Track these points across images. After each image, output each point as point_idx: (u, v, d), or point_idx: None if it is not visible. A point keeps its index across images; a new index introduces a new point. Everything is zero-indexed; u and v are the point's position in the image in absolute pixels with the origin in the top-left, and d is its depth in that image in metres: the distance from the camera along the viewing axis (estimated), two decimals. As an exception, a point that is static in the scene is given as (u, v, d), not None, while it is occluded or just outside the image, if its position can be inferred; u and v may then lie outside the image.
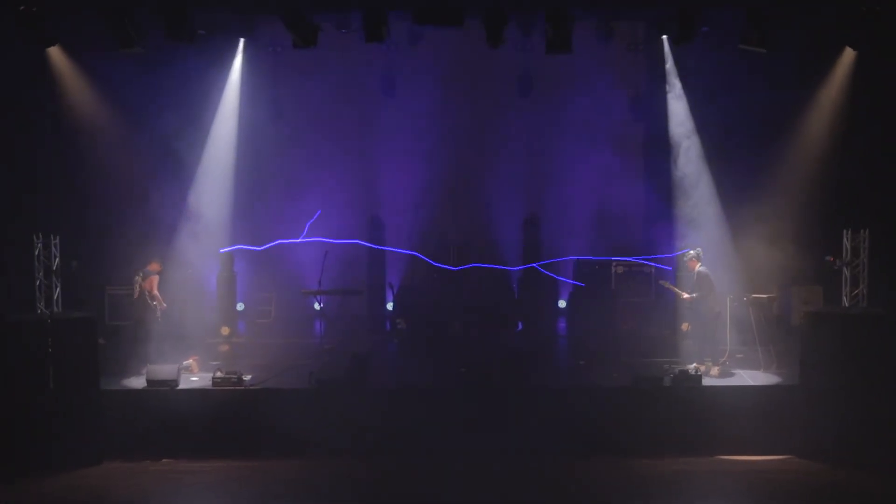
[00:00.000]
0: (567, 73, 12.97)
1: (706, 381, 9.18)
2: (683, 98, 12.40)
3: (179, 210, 12.30)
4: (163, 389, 8.99)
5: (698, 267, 10.15)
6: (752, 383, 9.39)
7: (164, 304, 10.47)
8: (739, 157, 12.13)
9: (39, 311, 9.04)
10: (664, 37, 12.06)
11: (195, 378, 9.67)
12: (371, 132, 13.73)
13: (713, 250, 11.78)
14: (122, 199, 11.98)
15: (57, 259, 9.14)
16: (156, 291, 10.39)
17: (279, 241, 12.00)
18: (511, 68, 13.18)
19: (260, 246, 12.22)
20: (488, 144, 13.85)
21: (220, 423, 8.88)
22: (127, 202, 11.94)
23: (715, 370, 9.69)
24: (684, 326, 11.38)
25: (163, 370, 9.09)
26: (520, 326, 12.95)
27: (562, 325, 13.58)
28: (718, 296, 10.15)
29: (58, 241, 9.19)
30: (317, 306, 12.07)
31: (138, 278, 10.41)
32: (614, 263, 12.76)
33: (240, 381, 9.12)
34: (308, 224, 11.65)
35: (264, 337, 12.53)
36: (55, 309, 9.11)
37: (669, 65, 12.39)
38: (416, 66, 13.12)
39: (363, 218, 13.56)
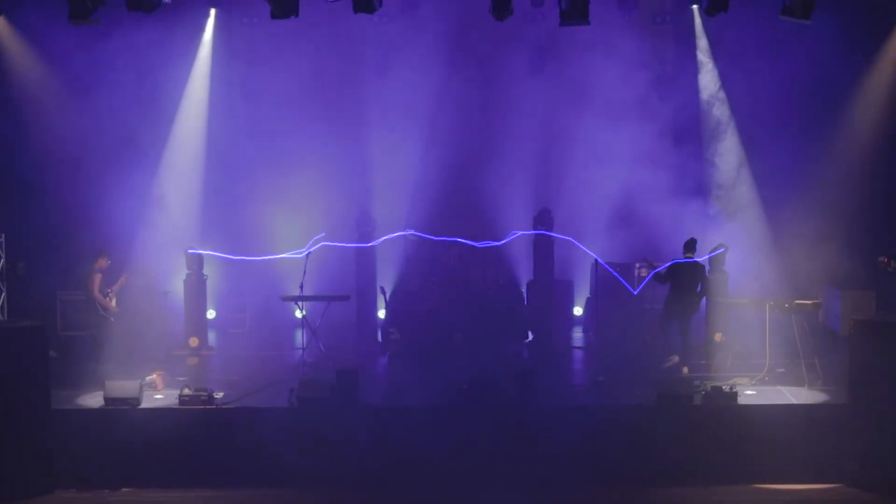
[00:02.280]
0: (584, 48, 12.96)
1: (742, 400, 9.17)
2: (716, 76, 12.41)
3: (142, 204, 12.32)
4: (123, 408, 8.96)
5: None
6: (794, 401, 9.38)
7: (115, 308, 10.45)
8: (780, 143, 12.16)
9: (-18, 320, 9.05)
10: (694, 6, 12.08)
11: (159, 396, 9.64)
12: (361, 116, 13.71)
13: (751, 248, 11.82)
14: (77, 191, 11.98)
15: (2, 260, 9.15)
16: (97, 293, 10.33)
17: (277, 256, 11.80)
18: (520, 43, 13.18)
19: (238, 255, 12.18)
20: (494, 130, 13.85)
21: (188, 448, 8.86)
22: (82, 195, 11.94)
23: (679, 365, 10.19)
24: (718, 336, 11.39)
25: (123, 387, 9.06)
26: (530, 336, 12.94)
27: (578, 334, 13.58)
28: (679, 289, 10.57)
29: (2, 239, 9.19)
30: (298, 314, 12.04)
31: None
32: (637, 265, 12.77)
33: (210, 399, 9.10)
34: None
35: (238, 349, 12.52)
36: (0, 317, 9.10)
37: (700, 38, 12.40)
38: (412, 40, 13.11)
39: (352, 213, 13.54)
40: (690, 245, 10.88)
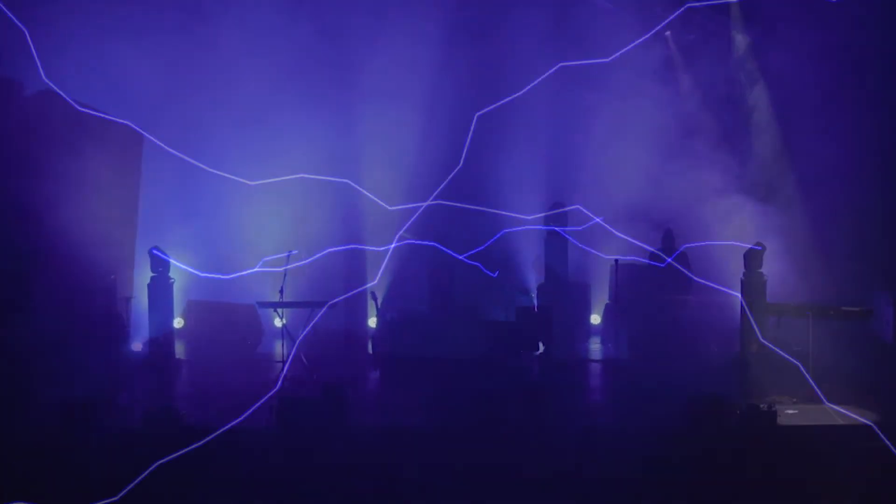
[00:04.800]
0: (602, 21, 12.93)
1: (782, 420, 9.15)
2: (752, 50, 12.34)
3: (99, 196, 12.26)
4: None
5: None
6: (841, 422, 9.36)
7: None
8: (824, 128, 12.10)
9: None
10: (730, -30, 12.05)
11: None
12: (350, 93, 13.65)
13: (791, 248, 11.77)
14: (14, 174, 11.89)
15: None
16: None
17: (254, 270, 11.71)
18: (533, 13, 13.13)
19: (209, 259, 12.11)
20: (502, 110, 13.76)
21: (152, 473, 8.80)
22: (20, 179, 11.85)
23: None
24: (753, 347, 11.36)
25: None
26: (540, 348, 12.91)
27: (595, 345, 13.56)
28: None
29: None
30: (278, 322, 12.04)
31: None
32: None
33: (177, 418, 9.07)
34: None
35: (209, 361, 12.49)
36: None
37: (733, 7, 12.33)
38: (410, 8, 13.06)
39: (339, 207, 13.48)
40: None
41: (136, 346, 12.12)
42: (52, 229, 11.42)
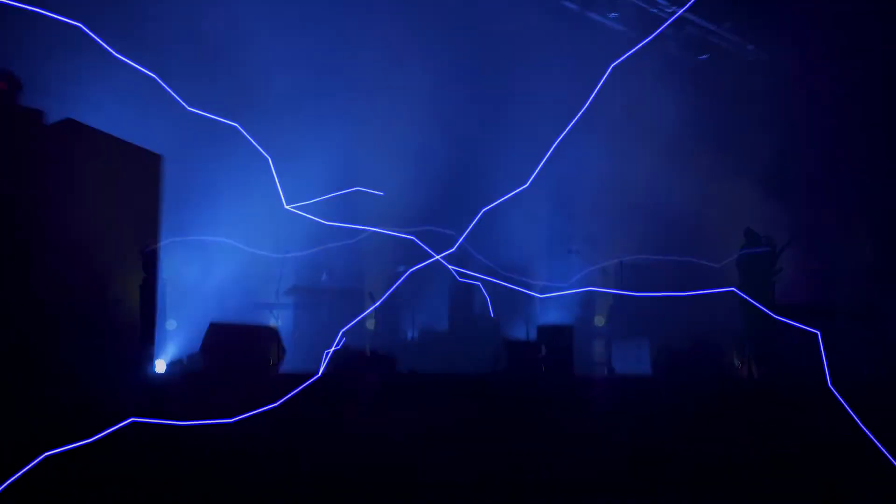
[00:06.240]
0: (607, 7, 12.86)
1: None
2: (765, 49, 12.25)
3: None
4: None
5: None
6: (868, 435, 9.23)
7: None
8: (839, 117, 12.01)
9: None
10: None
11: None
12: (344, 85, 13.55)
13: (803, 246, 11.69)
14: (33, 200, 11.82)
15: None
16: None
17: None
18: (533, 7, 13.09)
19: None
20: (504, 102, 13.74)
21: (142, 481, 8.66)
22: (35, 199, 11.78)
23: None
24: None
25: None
26: (542, 351, 12.82)
27: (599, 349, 13.51)
28: None
29: None
30: (273, 324, 11.98)
31: None
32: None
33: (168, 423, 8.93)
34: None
35: (203, 364, 12.36)
36: None
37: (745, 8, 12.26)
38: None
39: (330, 205, 13.34)
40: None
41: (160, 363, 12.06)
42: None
